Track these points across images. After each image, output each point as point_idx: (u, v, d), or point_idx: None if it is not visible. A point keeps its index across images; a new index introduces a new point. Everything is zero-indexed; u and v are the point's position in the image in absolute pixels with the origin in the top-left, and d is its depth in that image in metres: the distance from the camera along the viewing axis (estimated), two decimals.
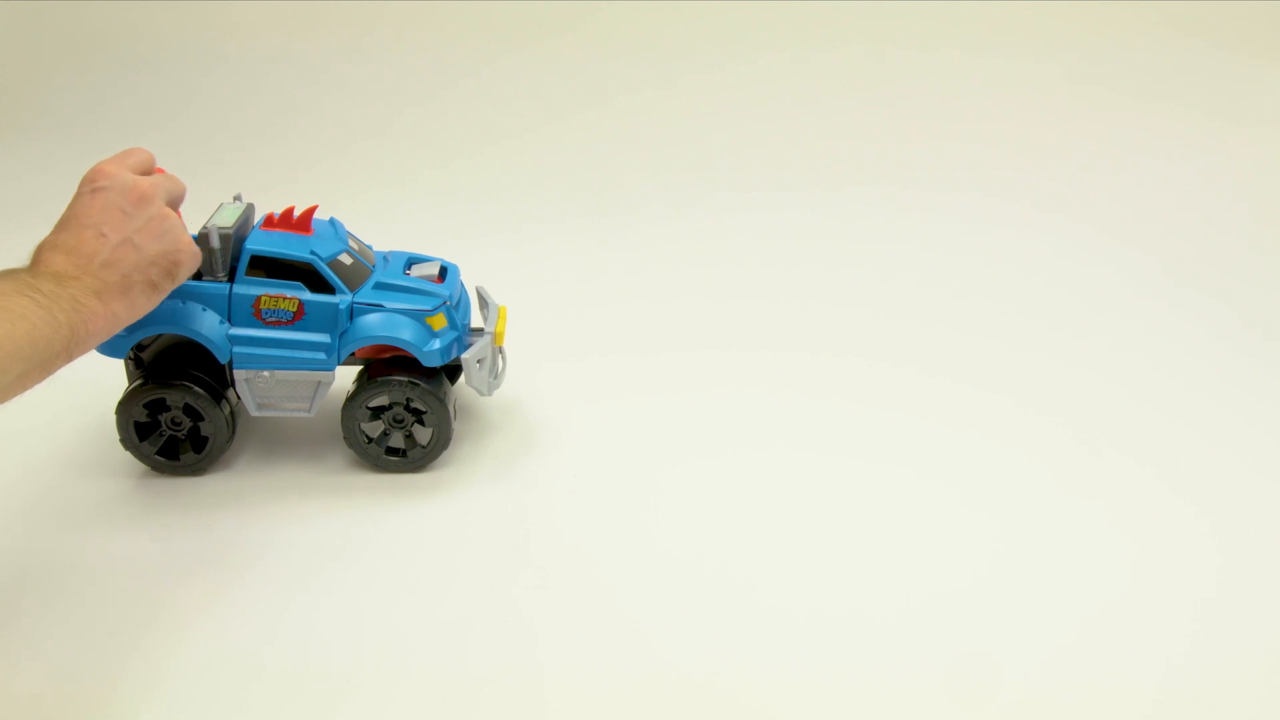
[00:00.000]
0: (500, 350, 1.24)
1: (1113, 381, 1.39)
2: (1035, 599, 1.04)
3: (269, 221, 1.15)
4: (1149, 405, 1.34)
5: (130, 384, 1.15)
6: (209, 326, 1.12)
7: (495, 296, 1.28)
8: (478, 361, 1.18)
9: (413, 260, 1.22)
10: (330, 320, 1.13)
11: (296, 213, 1.16)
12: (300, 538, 1.10)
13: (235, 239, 1.12)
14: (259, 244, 1.12)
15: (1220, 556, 1.10)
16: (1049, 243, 1.73)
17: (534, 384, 1.34)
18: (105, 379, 1.19)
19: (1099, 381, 1.39)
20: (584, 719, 0.91)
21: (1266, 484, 1.20)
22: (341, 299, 1.13)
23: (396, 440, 1.18)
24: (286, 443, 1.23)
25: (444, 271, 1.21)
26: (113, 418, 1.15)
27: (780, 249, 1.73)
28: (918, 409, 1.32)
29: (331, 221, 1.19)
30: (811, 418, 1.31)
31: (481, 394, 1.20)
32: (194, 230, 1.18)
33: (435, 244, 1.31)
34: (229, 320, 1.13)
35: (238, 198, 1.18)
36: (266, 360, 1.13)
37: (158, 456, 1.16)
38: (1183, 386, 1.38)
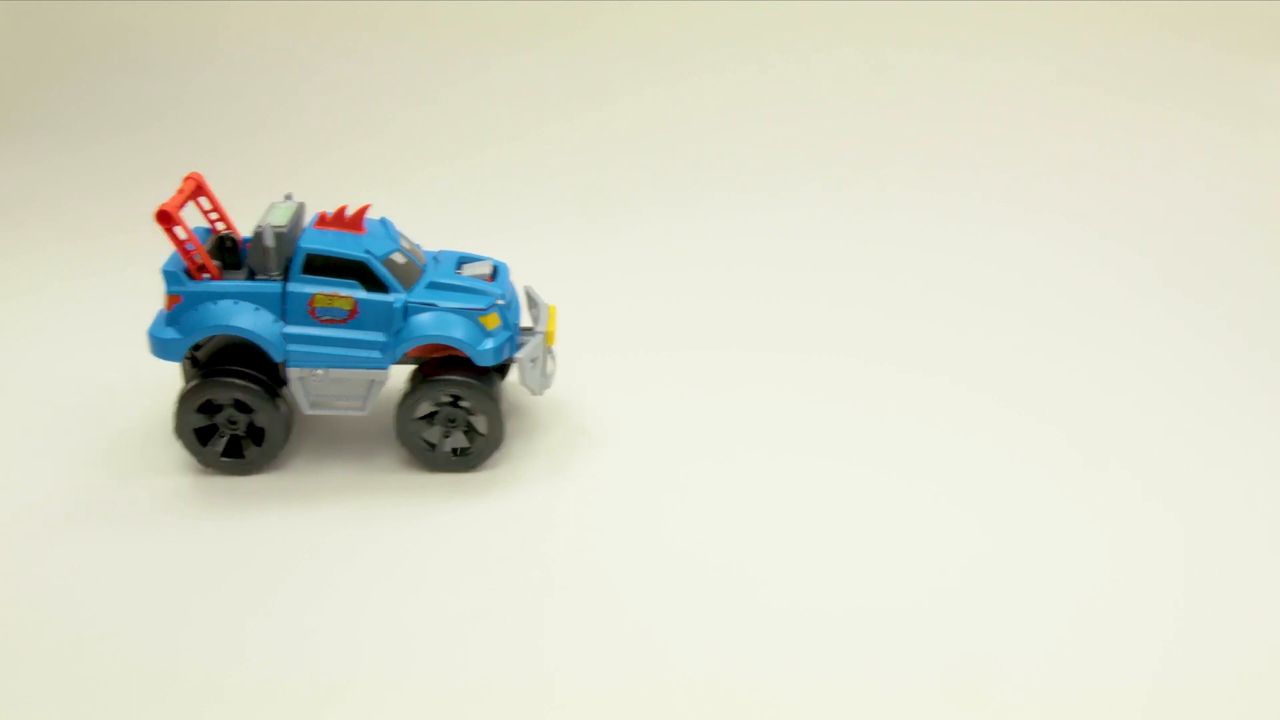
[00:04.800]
0: (550, 350, 1.24)
1: (1111, 386, 1.41)
2: (1034, 600, 1.06)
3: (322, 220, 1.15)
4: (1146, 410, 1.36)
5: (188, 382, 1.14)
6: (264, 325, 1.12)
7: None
8: (531, 360, 1.19)
9: (463, 259, 1.22)
10: (385, 319, 1.13)
11: (349, 211, 1.15)
12: (348, 538, 1.10)
13: (289, 238, 1.12)
14: (314, 242, 1.12)
15: (1214, 558, 1.12)
16: (1050, 244, 1.75)
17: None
18: (148, 380, 1.18)
19: (1098, 386, 1.41)
20: (586, 717, 0.93)
21: (1262, 488, 1.22)
22: (396, 298, 1.13)
23: (432, 435, 1.18)
24: (336, 441, 1.23)
25: (495, 271, 1.22)
26: (155, 421, 1.15)
27: (782, 249, 1.74)
28: (917, 411, 1.34)
29: (382, 221, 1.19)
30: (811, 420, 1.32)
31: (533, 393, 1.21)
32: (247, 231, 1.18)
33: (436, 244, 1.30)
34: (283, 319, 1.12)
35: (289, 196, 1.17)
36: (321, 358, 1.13)
37: (197, 442, 1.15)
38: (1180, 392, 1.40)
